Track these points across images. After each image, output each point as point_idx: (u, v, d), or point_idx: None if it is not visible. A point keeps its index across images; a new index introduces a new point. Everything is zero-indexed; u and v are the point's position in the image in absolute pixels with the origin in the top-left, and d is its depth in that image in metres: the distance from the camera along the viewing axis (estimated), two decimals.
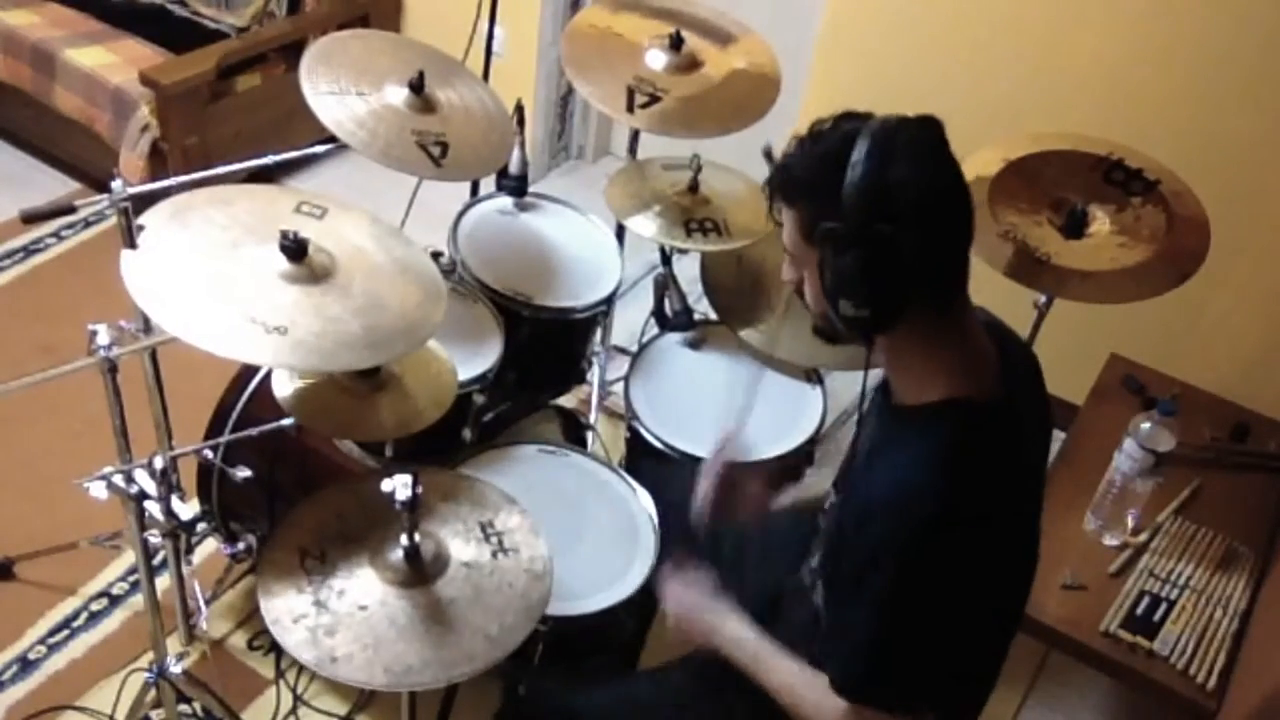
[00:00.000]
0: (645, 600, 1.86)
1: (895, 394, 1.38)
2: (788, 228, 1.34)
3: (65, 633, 2.28)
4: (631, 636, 1.95)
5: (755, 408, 2.22)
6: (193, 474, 2.16)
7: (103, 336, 1.50)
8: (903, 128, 1.25)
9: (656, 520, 1.94)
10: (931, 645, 1.32)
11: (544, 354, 2.34)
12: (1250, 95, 2.47)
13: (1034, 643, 2.06)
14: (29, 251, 3.18)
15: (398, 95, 2.02)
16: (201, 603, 2.23)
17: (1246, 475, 2.34)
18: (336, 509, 1.64)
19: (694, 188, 2.29)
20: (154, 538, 1.71)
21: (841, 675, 1.36)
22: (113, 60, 3.20)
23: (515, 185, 2.42)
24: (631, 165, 2.42)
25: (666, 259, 2.37)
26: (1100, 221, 2.11)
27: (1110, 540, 2.15)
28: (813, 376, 2.30)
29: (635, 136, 2.55)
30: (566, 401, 2.44)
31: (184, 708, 2.11)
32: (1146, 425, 2.07)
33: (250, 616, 2.31)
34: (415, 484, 1.45)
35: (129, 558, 2.39)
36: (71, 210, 1.64)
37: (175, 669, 1.86)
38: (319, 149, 1.92)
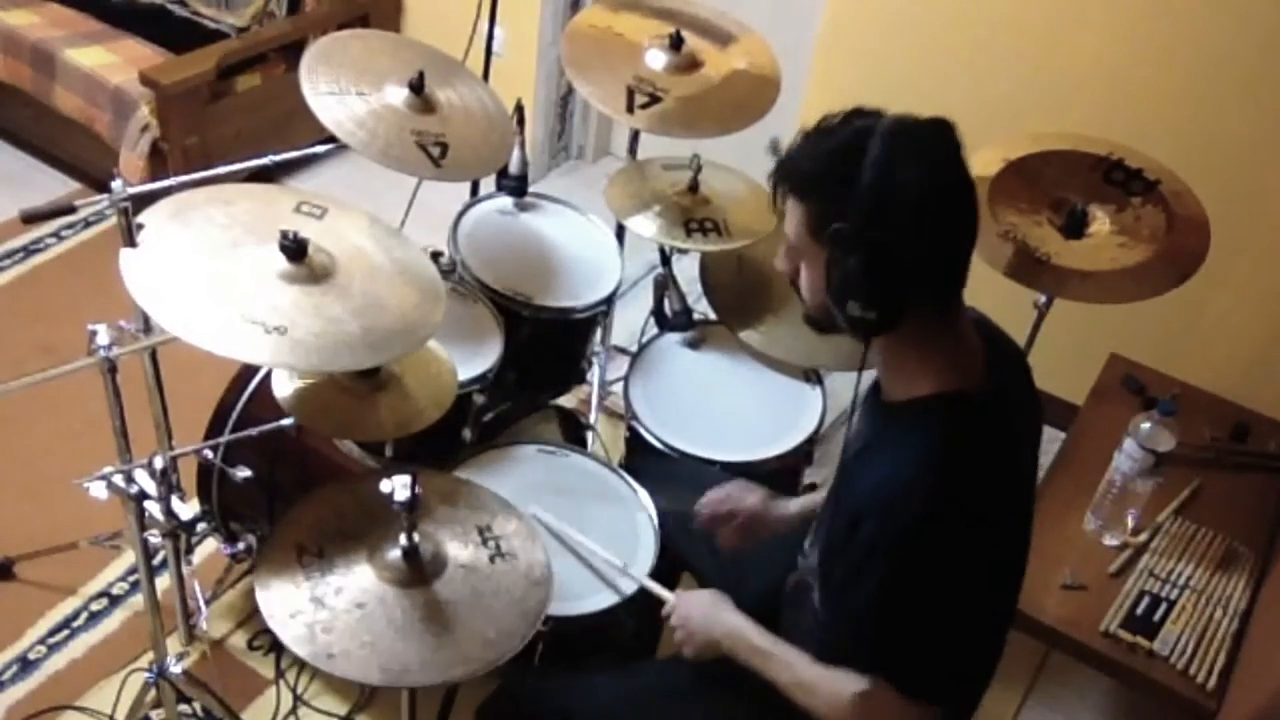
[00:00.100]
0: (646, 600, 1.86)
1: (885, 391, 1.39)
2: (793, 221, 1.33)
3: (65, 633, 2.28)
4: (633, 637, 1.95)
5: (752, 406, 2.23)
6: (193, 474, 2.16)
7: (103, 336, 1.50)
8: (917, 130, 1.25)
9: (657, 520, 1.94)
10: (937, 634, 1.32)
11: (544, 354, 2.34)
12: (1250, 95, 2.47)
13: (1034, 643, 2.06)
14: (29, 251, 3.18)
15: (398, 95, 2.02)
16: (201, 603, 2.23)
17: (1246, 475, 2.34)
18: (335, 508, 1.64)
19: (694, 188, 2.29)
20: (154, 538, 1.71)
21: (885, 666, 1.35)
22: (113, 60, 3.20)
23: (515, 185, 2.42)
24: (631, 165, 2.42)
25: (666, 259, 2.36)
26: (1100, 221, 2.11)
27: (1110, 540, 2.15)
28: (812, 376, 2.29)
29: (635, 136, 2.55)
30: (566, 401, 2.44)
31: (184, 708, 2.11)
32: (1146, 425, 2.07)
33: (250, 616, 2.31)
34: (414, 484, 1.45)
35: (129, 558, 2.39)
36: (71, 210, 1.64)
37: (175, 669, 1.86)
38: (319, 149, 1.93)
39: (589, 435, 2.37)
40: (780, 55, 2.37)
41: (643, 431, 2.16)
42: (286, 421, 1.77)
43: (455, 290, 2.18)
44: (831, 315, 1.34)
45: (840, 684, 1.39)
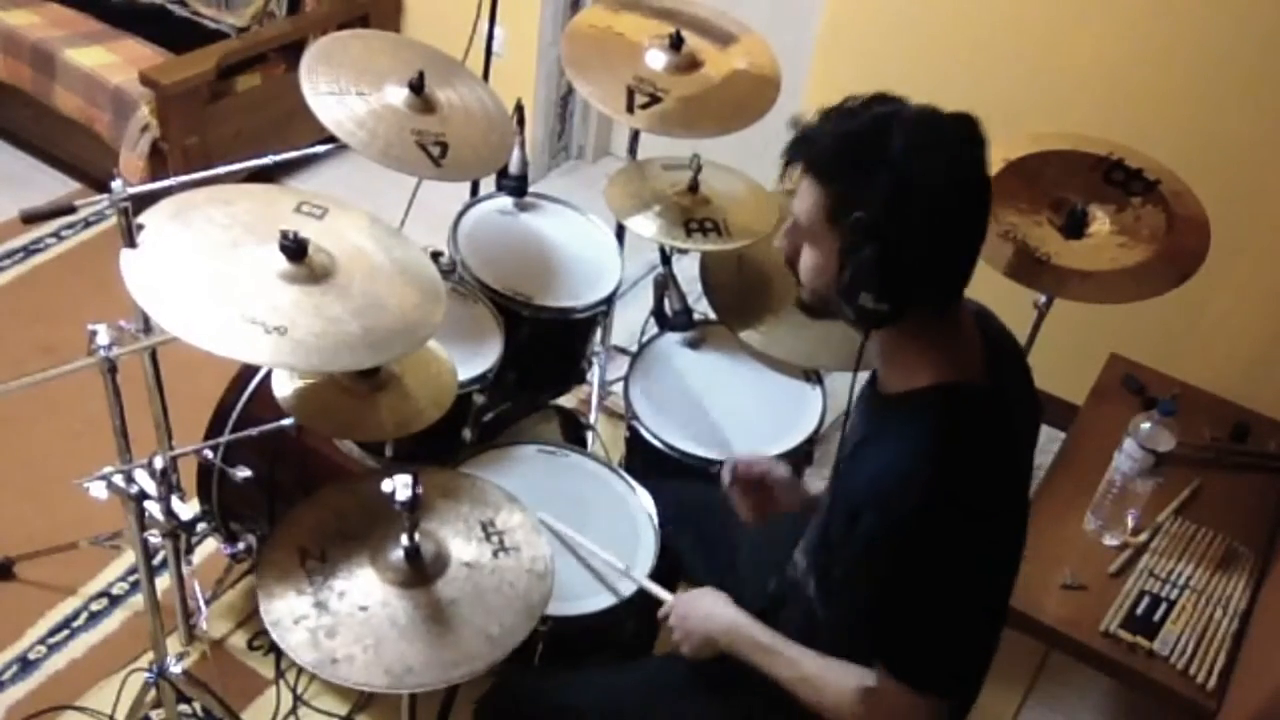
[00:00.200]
0: (645, 601, 1.86)
1: (882, 383, 1.39)
2: (807, 202, 1.30)
3: (65, 633, 2.28)
4: (632, 637, 1.95)
5: (752, 406, 2.23)
6: (193, 474, 2.16)
7: (103, 336, 1.50)
8: (942, 123, 1.25)
9: (657, 520, 1.94)
10: (939, 626, 1.32)
11: (544, 354, 2.34)
12: (1250, 95, 2.47)
13: (1034, 643, 2.06)
14: (29, 251, 3.18)
15: (398, 95, 2.02)
16: (201, 603, 2.23)
17: (1246, 475, 2.34)
18: (336, 509, 1.64)
19: (694, 188, 2.29)
20: (154, 538, 1.71)
21: (894, 658, 1.35)
22: (113, 60, 3.20)
23: (515, 185, 2.42)
24: (631, 165, 2.42)
25: (666, 259, 2.36)
26: (1100, 221, 2.11)
27: (1110, 540, 2.15)
28: (812, 376, 2.29)
29: (635, 136, 2.55)
30: (566, 401, 2.44)
31: (184, 708, 2.11)
32: (1146, 425, 2.07)
33: (250, 616, 2.31)
34: (415, 484, 1.45)
35: (129, 558, 2.39)
36: (71, 210, 1.64)
37: (175, 669, 1.86)
38: (319, 149, 1.92)
39: (589, 435, 2.37)
40: (780, 55, 2.37)
41: (643, 431, 2.16)
42: (286, 421, 1.77)
43: (455, 290, 2.18)
44: (828, 300, 1.33)
45: (846, 678, 1.39)
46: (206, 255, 1.55)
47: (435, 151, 1.98)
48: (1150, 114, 2.55)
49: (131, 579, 2.38)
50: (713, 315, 2.36)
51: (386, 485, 1.45)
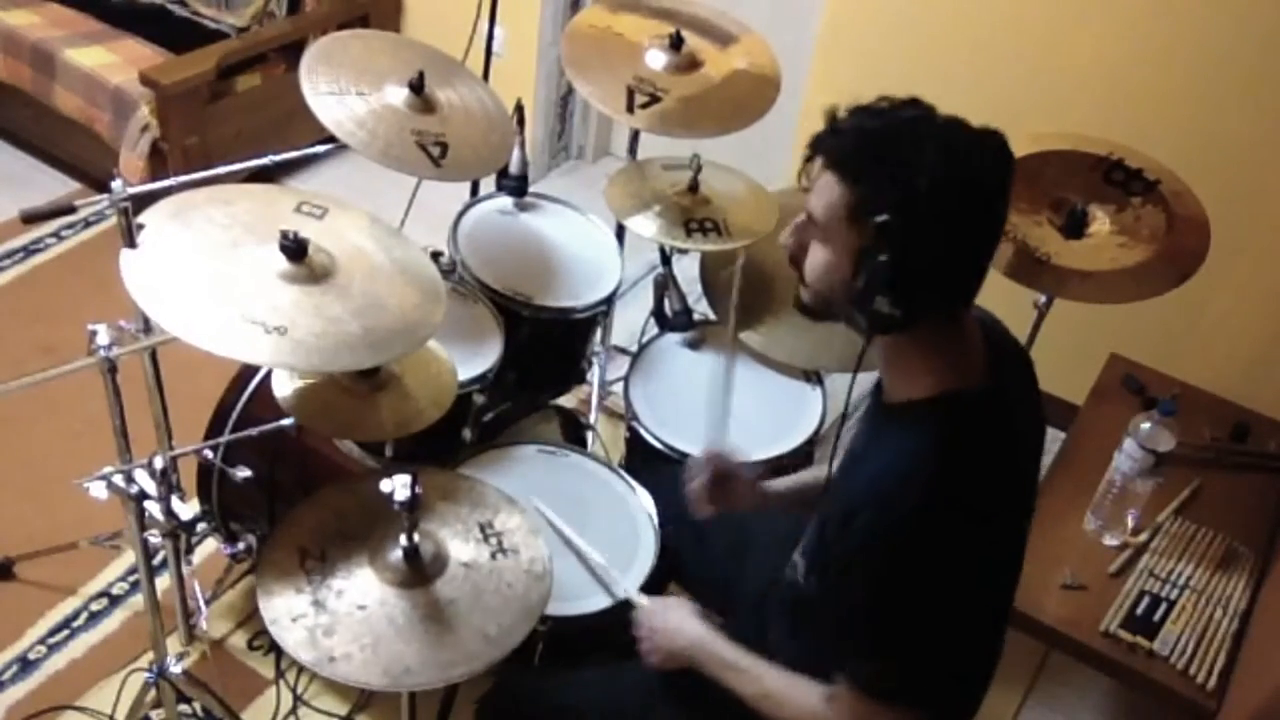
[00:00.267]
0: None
1: (886, 392, 1.38)
2: (827, 199, 1.27)
3: (65, 633, 2.28)
4: (633, 637, 1.95)
5: (752, 406, 2.23)
6: (193, 474, 2.16)
7: (103, 336, 1.50)
8: (976, 142, 1.24)
9: (657, 520, 1.94)
10: (928, 638, 1.32)
11: (544, 354, 2.34)
12: (1250, 95, 2.47)
13: (1034, 643, 2.06)
14: (29, 251, 3.18)
15: (398, 95, 2.02)
16: (201, 603, 2.23)
17: (1246, 475, 2.34)
18: (336, 509, 1.64)
19: (694, 188, 2.29)
20: (154, 538, 1.71)
21: (856, 672, 1.35)
22: (113, 60, 3.20)
23: (515, 185, 2.42)
24: (631, 165, 2.42)
25: (666, 259, 2.37)
26: (1100, 221, 2.11)
27: (1110, 540, 2.15)
28: (812, 377, 2.29)
29: (635, 136, 2.55)
30: (566, 401, 2.44)
31: (184, 708, 2.11)
32: (1146, 425, 2.07)
33: (250, 616, 2.31)
34: (414, 484, 1.45)
35: (129, 558, 2.39)
36: (71, 210, 1.63)
37: (175, 669, 1.86)
38: (319, 149, 1.92)
39: (589, 435, 2.37)
40: (780, 55, 2.36)
41: (643, 431, 2.16)
42: (286, 421, 1.77)
43: (455, 290, 2.18)
44: (831, 301, 1.32)
45: (810, 694, 1.40)
46: (206, 255, 1.55)
47: (435, 151, 1.98)
48: (1150, 114, 2.55)
49: (131, 579, 2.38)
50: (713, 315, 2.36)
51: (386, 485, 1.45)
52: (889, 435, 1.36)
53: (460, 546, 1.60)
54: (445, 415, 1.82)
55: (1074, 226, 2.10)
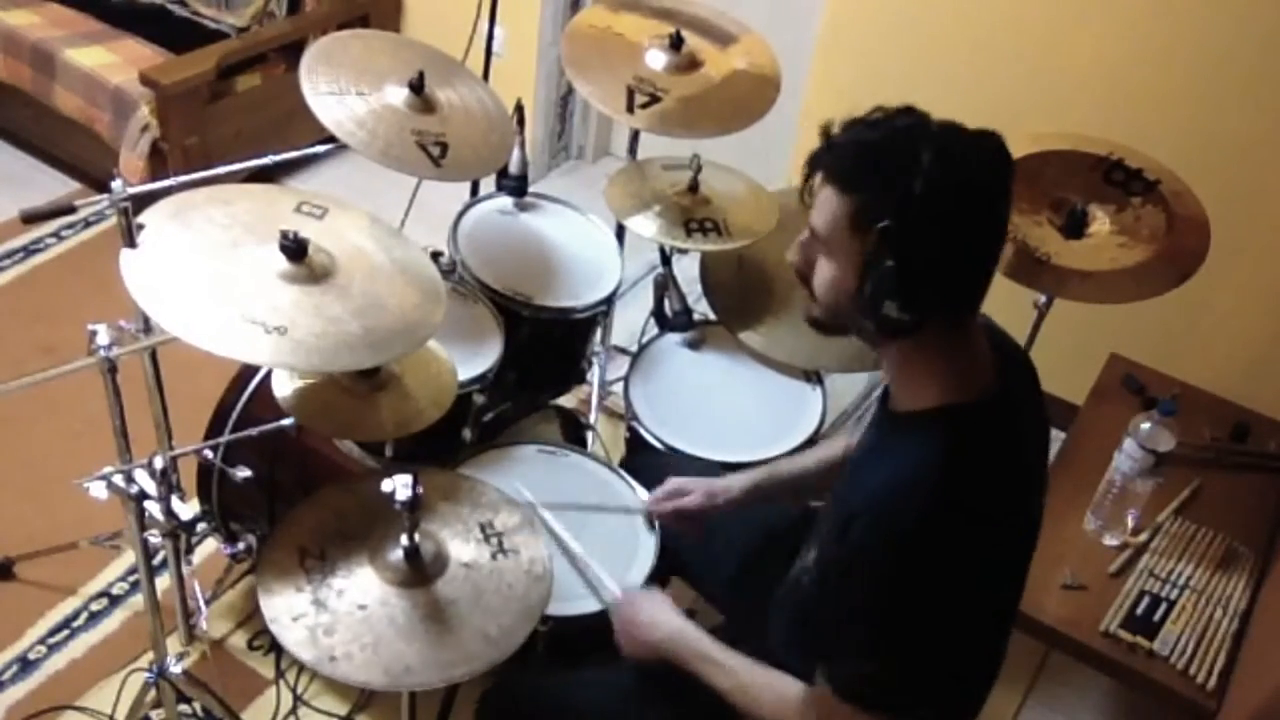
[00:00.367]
0: None
1: (893, 400, 1.38)
2: (828, 212, 1.28)
3: (65, 633, 2.28)
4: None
5: (752, 406, 2.23)
6: (193, 474, 2.16)
7: (103, 336, 1.49)
8: (972, 142, 1.25)
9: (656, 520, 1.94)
10: (928, 644, 1.32)
11: (544, 354, 2.34)
12: (1250, 95, 2.47)
13: (1034, 643, 2.06)
14: (29, 251, 3.18)
15: (398, 95, 2.02)
16: (201, 603, 2.23)
17: (1246, 475, 2.34)
18: (336, 509, 1.64)
19: (694, 188, 2.29)
20: (154, 538, 1.71)
21: (841, 678, 1.35)
22: (113, 60, 3.20)
23: (515, 185, 2.42)
24: (631, 165, 2.42)
25: (666, 259, 2.36)
26: (1100, 221, 2.11)
27: (1110, 540, 2.15)
28: (812, 377, 2.29)
29: (635, 136, 2.55)
30: (566, 401, 2.44)
31: (184, 708, 2.11)
32: (1146, 425, 2.07)
33: (250, 616, 2.31)
34: (415, 484, 1.45)
35: (129, 558, 2.39)
36: (71, 210, 1.63)
37: (175, 669, 1.86)
38: (319, 149, 1.92)
39: (589, 435, 2.37)
40: (780, 55, 2.36)
41: (643, 431, 2.16)
42: (286, 421, 1.77)
43: (455, 290, 2.18)
44: (842, 313, 1.33)
45: (785, 690, 1.40)
46: (206, 255, 1.55)
47: (435, 151, 1.97)
48: (1150, 114, 2.55)
49: (131, 579, 2.38)
50: (713, 315, 2.36)
51: (386, 485, 1.45)
52: (896, 444, 1.35)
53: (461, 546, 1.60)
54: (445, 415, 1.82)
55: (1074, 226, 2.10)
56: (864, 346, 1.40)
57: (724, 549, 1.84)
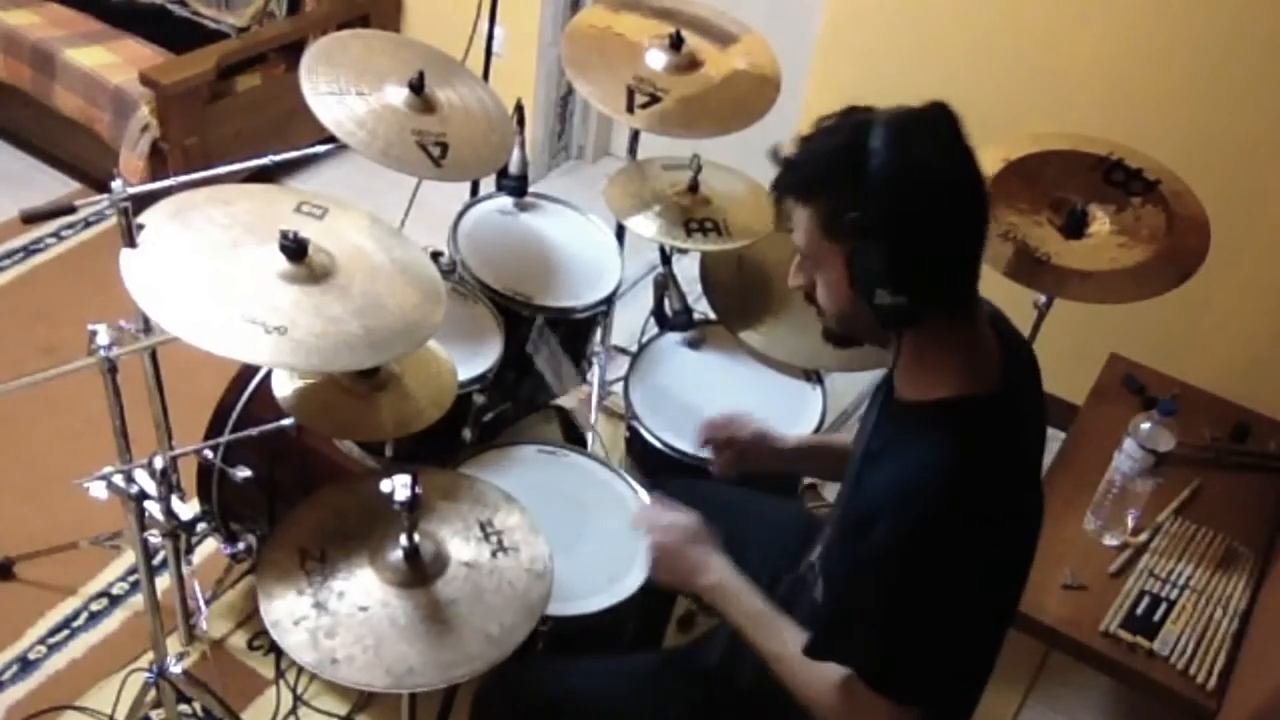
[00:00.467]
0: (649, 601, 1.86)
1: (898, 389, 1.38)
2: (802, 227, 1.31)
3: (65, 633, 2.28)
4: (640, 637, 1.95)
5: (752, 406, 2.22)
6: (193, 474, 2.16)
7: (103, 336, 1.49)
8: (917, 113, 1.25)
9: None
10: (937, 640, 1.32)
11: None
12: (1250, 95, 2.47)
13: (1034, 643, 2.06)
14: (29, 251, 3.18)
15: (398, 95, 2.02)
16: (201, 603, 2.23)
17: (1246, 475, 2.34)
18: (336, 509, 1.64)
19: (694, 188, 2.29)
20: (154, 538, 1.71)
21: (869, 667, 1.34)
22: (113, 60, 3.20)
23: (515, 185, 2.42)
24: (631, 165, 2.42)
25: (666, 259, 2.36)
26: (1100, 221, 2.11)
27: (1110, 540, 2.15)
28: (813, 376, 2.29)
29: (635, 136, 2.55)
30: (566, 401, 2.44)
31: (184, 708, 2.11)
32: (1146, 425, 2.07)
33: (250, 616, 2.31)
34: (414, 484, 1.45)
35: (129, 558, 2.39)
36: (71, 210, 1.63)
37: (175, 669, 1.86)
38: (319, 149, 1.92)
39: (589, 435, 2.37)
40: (780, 55, 2.37)
41: (643, 431, 2.16)
42: (286, 421, 1.77)
43: (455, 290, 2.18)
44: (852, 323, 1.33)
45: (823, 673, 1.40)
46: (206, 255, 1.55)
47: (435, 151, 1.98)
48: (1150, 114, 2.55)
49: (131, 579, 2.38)
50: (713, 315, 2.36)
51: (386, 485, 1.45)
52: (906, 437, 1.35)
53: (460, 546, 1.60)
54: (445, 415, 1.82)
55: (1074, 226, 2.10)
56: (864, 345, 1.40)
57: (719, 547, 1.84)
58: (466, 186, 2.65)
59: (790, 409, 2.24)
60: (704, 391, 2.27)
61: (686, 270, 2.38)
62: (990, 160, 2.15)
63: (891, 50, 2.83)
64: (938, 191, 1.23)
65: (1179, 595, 2.05)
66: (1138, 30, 2.53)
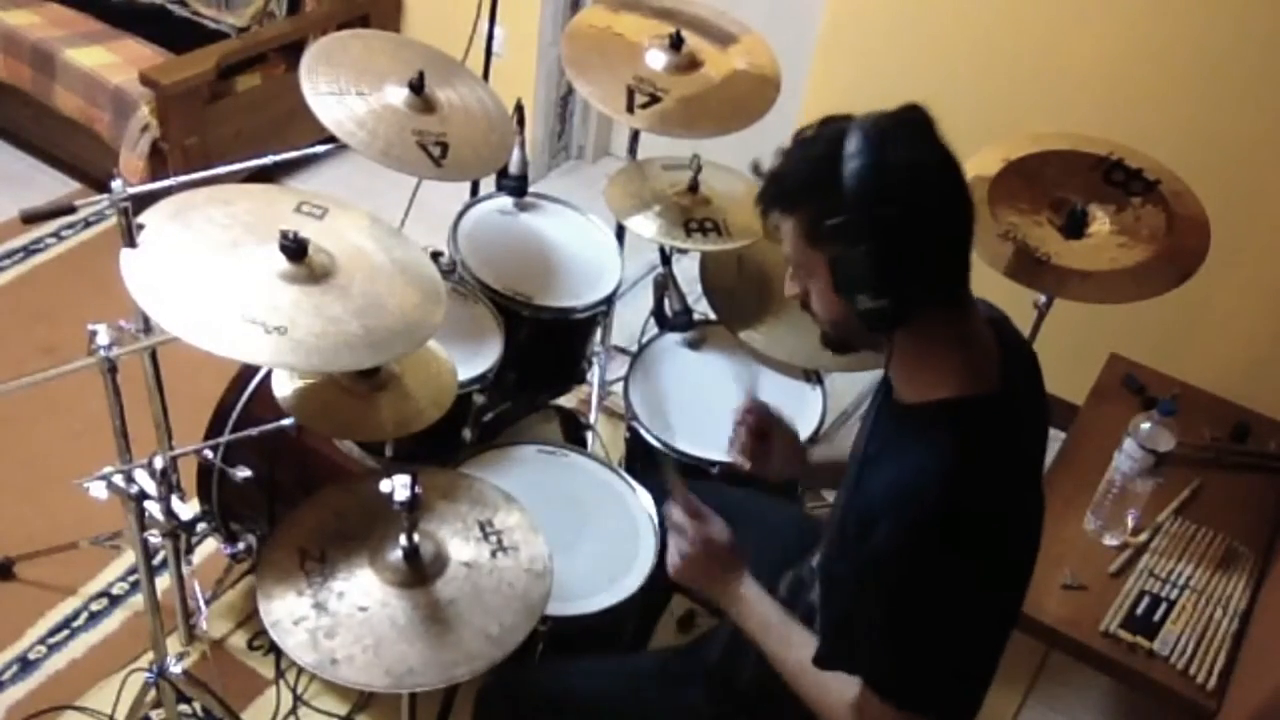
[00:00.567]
0: (646, 600, 1.86)
1: (897, 391, 1.38)
2: (788, 238, 1.32)
3: (65, 633, 2.28)
4: (634, 637, 1.95)
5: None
6: (193, 474, 2.16)
7: (103, 336, 1.50)
8: (890, 116, 1.26)
9: (657, 520, 1.94)
10: (941, 644, 1.32)
11: (544, 354, 2.34)
12: (1250, 95, 2.47)
13: (1034, 643, 2.06)
14: (29, 251, 3.18)
15: (398, 95, 2.02)
16: (201, 603, 2.23)
17: (1246, 475, 2.34)
18: (336, 509, 1.64)
19: (694, 188, 2.29)
20: (154, 538, 1.71)
21: (876, 676, 1.34)
22: (113, 60, 3.20)
23: (515, 185, 2.42)
24: (631, 165, 2.42)
25: (666, 259, 2.36)
26: (1100, 221, 2.11)
27: (1110, 540, 2.15)
28: (812, 376, 2.29)
29: (635, 136, 2.55)
30: (566, 401, 2.44)
31: (184, 708, 2.11)
32: (1146, 425, 2.07)
33: (250, 616, 2.31)
34: (414, 484, 1.45)
35: (129, 558, 2.39)
36: (71, 210, 1.63)
37: (175, 669, 1.86)
38: (319, 149, 1.92)
39: (589, 435, 2.37)
40: (780, 55, 2.37)
41: (643, 431, 2.16)
42: (286, 421, 1.77)
43: (455, 290, 2.18)
44: (848, 329, 1.34)
45: (841, 687, 1.39)
46: (206, 255, 1.55)
47: (435, 151, 1.98)
48: (1150, 114, 2.55)
49: (131, 579, 2.38)
50: (713, 315, 2.36)
51: (386, 485, 1.45)
52: (904, 440, 1.35)
53: (460, 546, 1.60)
54: (445, 415, 1.82)
55: (1074, 226, 2.10)
56: None
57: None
58: (466, 186, 2.65)
59: (790, 409, 2.22)
60: (704, 391, 2.27)
61: (686, 270, 2.38)
62: (990, 160, 2.16)
63: (891, 50, 2.83)
64: (913, 193, 1.23)
65: (1179, 595, 2.05)
66: (1138, 30, 2.53)
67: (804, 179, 1.28)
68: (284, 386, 1.79)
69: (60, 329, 2.88)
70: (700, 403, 2.24)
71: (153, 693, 1.91)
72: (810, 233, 1.28)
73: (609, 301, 2.33)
